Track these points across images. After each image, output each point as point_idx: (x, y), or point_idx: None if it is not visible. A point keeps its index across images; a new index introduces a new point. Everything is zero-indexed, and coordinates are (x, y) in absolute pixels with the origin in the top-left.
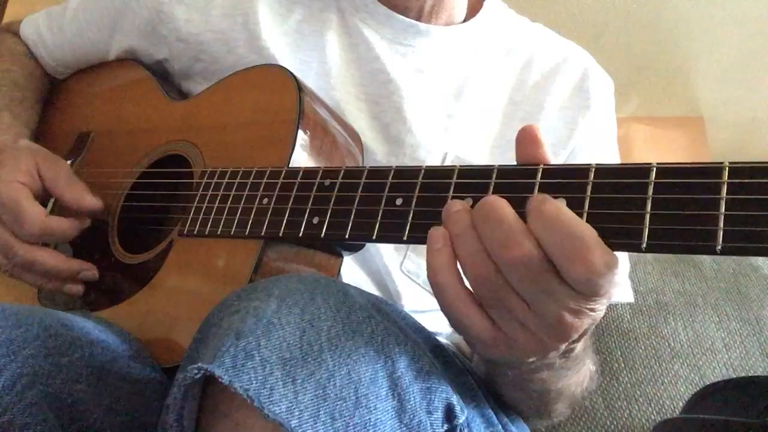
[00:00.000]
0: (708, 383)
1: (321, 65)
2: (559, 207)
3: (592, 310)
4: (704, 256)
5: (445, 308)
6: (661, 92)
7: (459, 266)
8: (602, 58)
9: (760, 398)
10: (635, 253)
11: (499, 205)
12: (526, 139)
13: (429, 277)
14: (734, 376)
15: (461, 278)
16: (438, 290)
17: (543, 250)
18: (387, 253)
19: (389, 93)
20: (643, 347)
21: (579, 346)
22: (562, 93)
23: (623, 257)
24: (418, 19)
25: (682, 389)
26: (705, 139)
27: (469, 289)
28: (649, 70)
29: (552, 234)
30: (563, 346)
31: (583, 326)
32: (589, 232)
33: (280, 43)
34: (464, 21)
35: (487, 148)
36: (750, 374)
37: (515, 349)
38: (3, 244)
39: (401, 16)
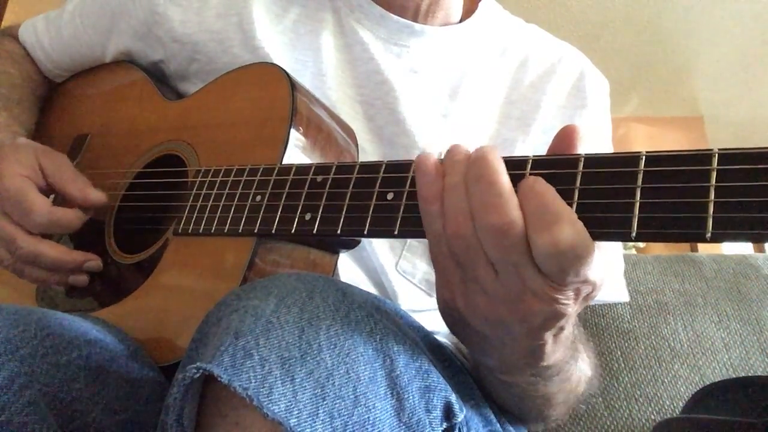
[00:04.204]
0: (708, 383)
1: (317, 65)
2: (546, 185)
3: (555, 300)
4: (704, 256)
5: (432, 237)
6: (661, 92)
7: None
8: (602, 58)
9: (760, 398)
10: (635, 253)
11: (494, 167)
12: (565, 137)
13: (420, 203)
14: (734, 376)
15: None
16: (426, 217)
17: (524, 223)
18: (382, 253)
19: (383, 94)
20: (643, 347)
21: (552, 356)
22: (558, 93)
23: (618, 256)
24: (414, 19)
25: (682, 389)
26: (705, 139)
27: None
28: (649, 70)
29: (531, 203)
30: (520, 330)
31: (542, 313)
32: (566, 212)
33: (276, 43)
34: (460, 21)
35: None
36: (750, 374)
37: (470, 307)
38: (6, 238)
39: (396, 17)
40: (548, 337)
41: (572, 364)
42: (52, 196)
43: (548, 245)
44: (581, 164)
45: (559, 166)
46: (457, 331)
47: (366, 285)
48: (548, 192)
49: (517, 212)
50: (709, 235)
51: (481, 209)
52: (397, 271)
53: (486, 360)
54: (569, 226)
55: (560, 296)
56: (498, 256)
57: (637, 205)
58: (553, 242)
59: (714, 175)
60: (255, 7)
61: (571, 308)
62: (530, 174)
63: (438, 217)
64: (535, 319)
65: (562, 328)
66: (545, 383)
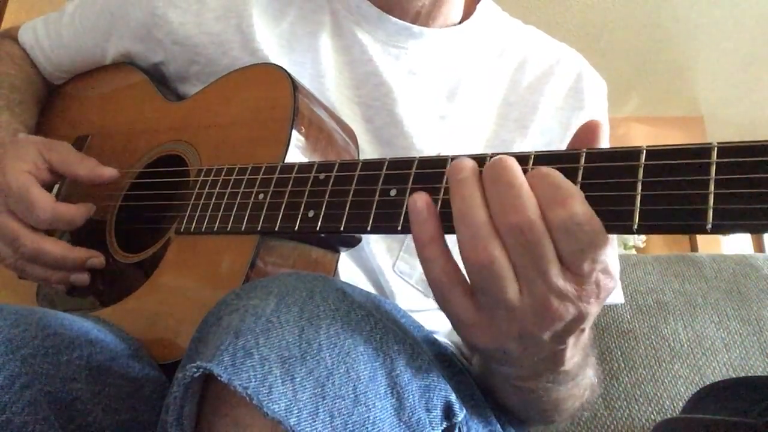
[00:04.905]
0: (708, 383)
1: (315, 67)
2: (550, 168)
3: (578, 298)
4: (704, 256)
5: (432, 282)
6: (661, 92)
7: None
8: (602, 58)
9: (760, 398)
10: (635, 254)
11: (512, 167)
12: (587, 132)
13: (417, 250)
14: (734, 376)
15: (449, 252)
16: (426, 265)
17: (544, 219)
18: (380, 254)
19: (382, 95)
20: (643, 347)
21: (571, 360)
22: (556, 94)
23: (614, 257)
24: (415, 21)
25: (682, 389)
26: (705, 138)
27: (455, 264)
28: (649, 70)
29: (542, 184)
30: (545, 336)
31: (566, 315)
32: (577, 190)
33: (274, 45)
34: (459, 23)
35: (481, 148)
36: (750, 374)
37: (495, 334)
38: (10, 235)
39: (394, 18)
40: (571, 340)
41: (584, 369)
42: (54, 191)
43: (565, 219)
44: (583, 159)
45: (560, 161)
46: (479, 352)
47: (364, 285)
48: (555, 173)
49: (537, 207)
50: (709, 226)
51: (500, 211)
52: (395, 272)
53: (503, 369)
54: (582, 201)
55: (583, 293)
56: (523, 259)
57: (639, 197)
58: (570, 215)
59: (713, 168)
60: (254, 9)
61: (593, 307)
62: (532, 168)
63: (443, 261)
64: (561, 323)
65: (583, 331)
66: (558, 388)
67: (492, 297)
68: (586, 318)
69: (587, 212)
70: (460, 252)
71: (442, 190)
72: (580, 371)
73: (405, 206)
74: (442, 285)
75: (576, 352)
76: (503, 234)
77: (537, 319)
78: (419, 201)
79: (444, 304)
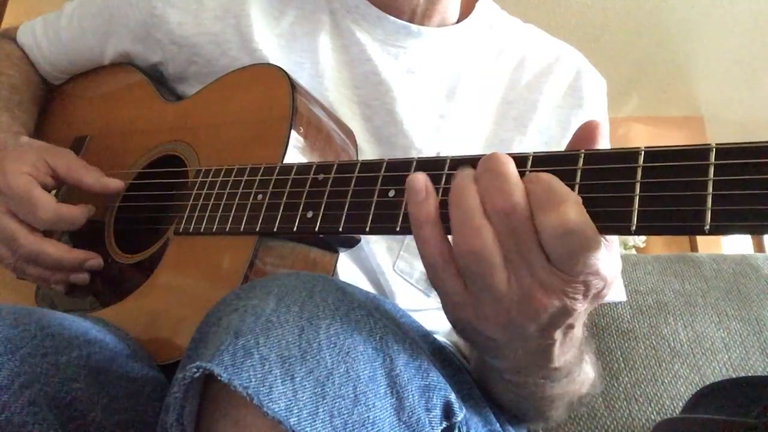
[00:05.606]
0: (708, 383)
1: (314, 67)
2: (550, 174)
3: (565, 293)
4: (704, 256)
5: (426, 261)
6: (661, 92)
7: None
8: (602, 58)
9: (760, 398)
10: (635, 254)
11: (503, 159)
12: (587, 132)
13: (413, 229)
14: (734, 376)
15: (444, 232)
16: (421, 243)
17: (529, 206)
18: (380, 254)
19: (381, 94)
20: (643, 347)
21: (562, 357)
22: (555, 92)
23: (615, 255)
24: (411, 20)
25: (682, 389)
26: (705, 139)
27: (449, 244)
28: (649, 70)
29: (537, 187)
30: (532, 330)
31: (552, 308)
32: (572, 195)
33: (273, 45)
34: (457, 22)
35: (480, 147)
36: (750, 374)
37: (481, 318)
38: (9, 236)
39: (393, 18)
40: (558, 335)
41: (579, 367)
42: (53, 192)
43: (556, 224)
44: (581, 160)
45: (559, 163)
46: (466, 337)
47: (364, 285)
48: (553, 178)
49: (522, 195)
50: (707, 227)
51: (488, 197)
52: (395, 271)
53: (495, 362)
54: (576, 206)
55: (569, 289)
56: (510, 245)
57: (637, 198)
58: (561, 221)
59: (712, 169)
60: (252, 9)
61: (581, 304)
62: (530, 171)
63: (438, 241)
64: (545, 315)
65: (571, 327)
66: (552, 385)
67: (480, 285)
68: (573, 314)
69: (580, 219)
70: (453, 239)
71: (440, 191)
72: (574, 368)
73: (404, 207)
74: (436, 264)
75: (566, 350)
76: (493, 221)
77: (522, 309)
78: (418, 180)
79: (436, 282)
